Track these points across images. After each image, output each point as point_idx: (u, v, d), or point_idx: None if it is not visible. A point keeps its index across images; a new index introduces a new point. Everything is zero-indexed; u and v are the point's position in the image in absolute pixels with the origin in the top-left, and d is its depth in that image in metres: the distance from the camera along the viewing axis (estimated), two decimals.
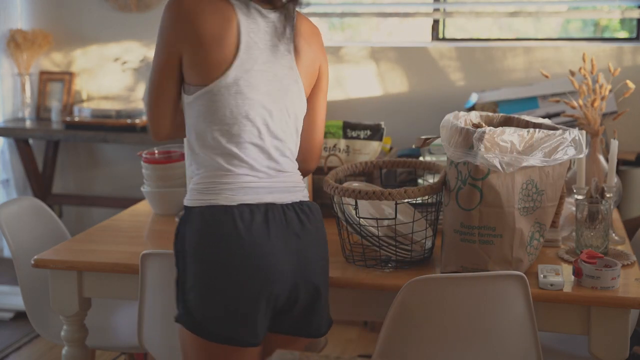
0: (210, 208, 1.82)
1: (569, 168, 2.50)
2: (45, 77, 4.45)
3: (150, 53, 4.33)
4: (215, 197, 1.83)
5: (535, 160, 2.00)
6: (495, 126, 2.19)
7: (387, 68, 4.04)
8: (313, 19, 4.35)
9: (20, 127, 4.24)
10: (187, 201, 1.89)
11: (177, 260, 1.87)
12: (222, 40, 1.82)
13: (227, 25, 1.83)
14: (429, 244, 2.20)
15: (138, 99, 4.38)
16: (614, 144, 2.34)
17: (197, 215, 1.84)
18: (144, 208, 2.82)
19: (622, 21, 4.09)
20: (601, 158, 2.59)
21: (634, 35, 3.94)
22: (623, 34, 4.12)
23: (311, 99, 2.00)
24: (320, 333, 1.96)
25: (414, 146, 2.35)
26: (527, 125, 2.21)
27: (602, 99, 2.57)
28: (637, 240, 2.56)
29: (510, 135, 1.99)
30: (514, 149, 1.99)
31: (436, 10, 4.09)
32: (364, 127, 2.77)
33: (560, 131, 2.05)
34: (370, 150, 2.75)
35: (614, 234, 2.37)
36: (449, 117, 2.14)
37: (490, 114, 2.29)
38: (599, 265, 2.00)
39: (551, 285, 1.98)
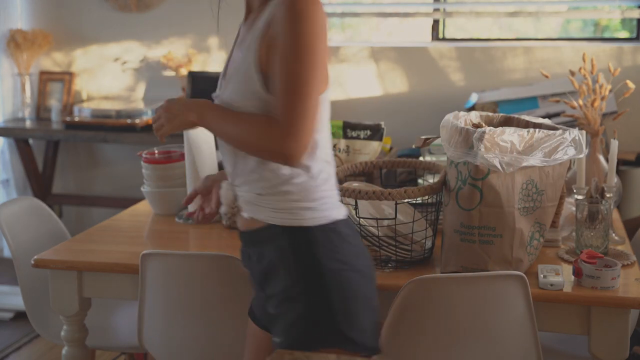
0: (346, 220, 1.72)
1: (569, 168, 2.50)
2: (45, 77, 4.44)
3: (150, 53, 4.33)
4: (340, 209, 1.72)
5: (535, 160, 2.00)
6: (495, 126, 2.19)
7: (387, 68, 4.03)
8: None
9: (20, 127, 4.24)
10: (313, 219, 1.67)
11: (308, 286, 1.65)
12: None
13: None
14: (429, 244, 2.20)
15: (138, 99, 4.38)
16: (614, 144, 2.34)
17: (343, 228, 1.69)
18: (144, 208, 2.82)
19: (623, 21, 4.09)
20: (601, 158, 2.59)
21: (634, 35, 3.94)
22: (624, 34, 4.12)
23: None
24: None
25: (414, 146, 2.35)
26: (527, 125, 2.21)
27: (602, 99, 2.57)
28: (637, 240, 2.56)
29: (510, 135, 1.99)
30: (514, 149, 1.99)
31: (436, 10, 4.09)
32: (364, 127, 2.77)
33: (560, 131, 2.05)
34: (370, 150, 2.75)
35: (614, 234, 2.37)
36: (449, 117, 2.14)
37: (490, 114, 2.29)
38: (599, 265, 2.00)
39: (551, 285, 1.98)
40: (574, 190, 2.37)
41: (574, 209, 2.36)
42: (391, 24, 4.36)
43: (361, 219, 2.15)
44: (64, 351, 2.37)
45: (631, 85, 2.63)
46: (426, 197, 2.18)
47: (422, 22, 4.22)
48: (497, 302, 1.92)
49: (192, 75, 4.19)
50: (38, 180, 4.40)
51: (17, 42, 4.26)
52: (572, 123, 3.03)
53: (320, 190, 1.69)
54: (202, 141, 2.58)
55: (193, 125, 1.75)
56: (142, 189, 2.74)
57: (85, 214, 4.60)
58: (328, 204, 1.69)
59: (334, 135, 2.75)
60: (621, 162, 3.46)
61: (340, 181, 2.34)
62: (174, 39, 4.30)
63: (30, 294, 2.54)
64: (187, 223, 2.60)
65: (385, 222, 2.18)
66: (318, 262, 1.63)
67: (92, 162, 4.56)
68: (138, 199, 3.09)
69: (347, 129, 2.76)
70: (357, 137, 2.76)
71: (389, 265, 2.15)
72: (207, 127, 1.73)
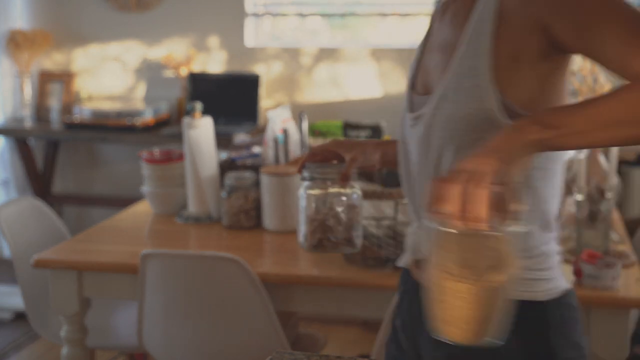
0: (573, 291, 1.33)
1: (569, 168, 2.50)
2: (45, 77, 4.44)
3: (150, 53, 4.33)
4: (564, 273, 1.34)
5: None
6: None
7: (387, 68, 4.03)
8: (313, 19, 4.35)
9: (20, 127, 4.24)
10: (547, 291, 1.27)
11: None
12: None
13: None
14: None
15: (138, 99, 4.38)
16: None
17: (573, 300, 1.31)
18: (144, 208, 2.82)
19: None
20: (601, 158, 2.59)
21: None
22: None
23: None
24: None
25: None
26: None
27: None
28: (637, 240, 2.56)
29: None
30: None
31: None
32: (364, 127, 2.77)
33: None
34: None
35: (614, 234, 2.37)
36: None
37: None
38: (599, 265, 2.00)
39: None
40: (574, 190, 2.37)
41: (574, 209, 2.36)
42: (391, 24, 4.36)
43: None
44: (64, 351, 2.37)
45: None
46: None
47: (422, 22, 4.22)
48: None
49: (192, 76, 4.19)
50: (38, 180, 4.40)
51: (17, 42, 4.26)
52: None
53: (554, 247, 1.33)
54: (202, 141, 2.58)
55: (537, 147, 1.11)
56: (142, 189, 2.74)
57: (85, 214, 4.60)
58: (558, 269, 1.31)
59: (334, 135, 2.75)
60: (621, 162, 3.45)
61: None
62: (174, 39, 4.30)
63: (30, 294, 2.54)
64: (188, 223, 2.60)
65: (385, 222, 2.18)
66: (552, 350, 1.27)
67: (92, 162, 4.56)
68: (138, 199, 3.09)
69: (347, 129, 2.76)
70: (357, 137, 2.76)
71: (389, 265, 2.15)
72: (560, 136, 1.11)
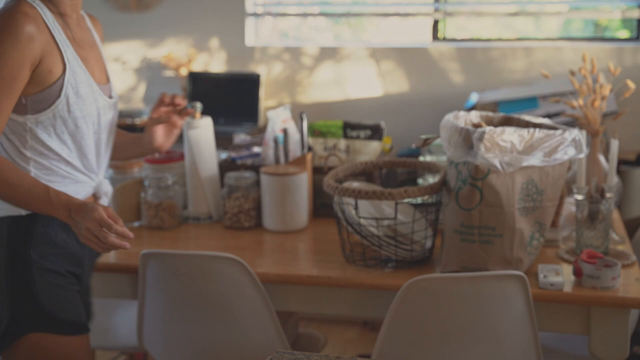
0: None
1: (569, 168, 2.50)
2: None
3: (150, 53, 4.33)
4: None
5: (535, 160, 2.00)
6: (495, 126, 2.19)
7: (387, 68, 4.03)
8: (314, 19, 4.36)
9: None
10: None
11: None
12: None
13: None
14: (429, 244, 2.20)
15: (138, 99, 4.38)
16: (614, 144, 2.34)
17: None
18: None
19: (623, 21, 4.09)
20: (601, 158, 2.59)
21: (635, 35, 3.94)
22: (624, 34, 4.11)
23: None
24: None
25: (413, 146, 2.35)
26: (527, 125, 2.21)
27: (603, 98, 2.57)
28: (637, 240, 2.56)
29: (510, 135, 1.99)
30: (514, 148, 1.99)
31: (437, 10, 4.09)
32: (364, 127, 2.77)
33: (560, 131, 2.05)
34: (370, 150, 2.75)
35: (614, 234, 2.37)
36: (449, 117, 2.14)
37: (490, 114, 2.29)
38: (599, 265, 2.00)
39: (551, 285, 1.98)
40: (574, 190, 2.37)
41: (574, 209, 2.36)
42: (391, 24, 4.36)
43: (361, 219, 2.15)
44: None
45: (631, 85, 2.63)
46: (426, 197, 2.18)
47: (423, 22, 4.22)
48: (497, 301, 1.92)
49: (192, 75, 4.19)
50: None
51: None
52: (572, 123, 3.03)
53: None
54: (202, 141, 2.58)
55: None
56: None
57: None
58: None
59: (334, 135, 2.75)
60: (621, 162, 3.46)
61: (340, 181, 2.34)
62: (174, 39, 4.30)
63: None
64: (188, 223, 2.60)
65: (385, 222, 2.18)
66: None
67: None
68: None
69: (347, 129, 2.76)
70: (357, 137, 2.76)
71: (389, 265, 2.15)
72: None
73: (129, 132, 2.26)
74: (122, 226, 1.74)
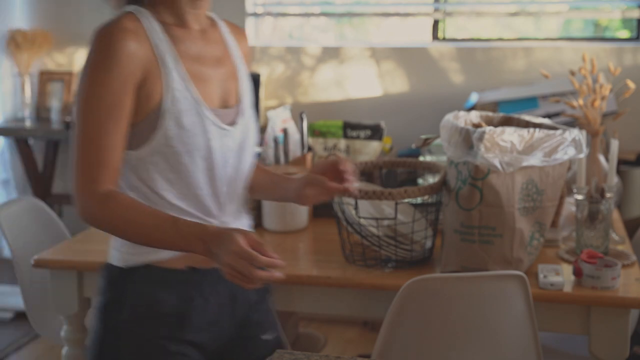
0: None
1: (569, 168, 2.50)
2: (46, 77, 4.44)
3: None
4: None
5: (535, 160, 2.00)
6: (495, 126, 2.19)
7: (387, 68, 4.03)
8: (314, 19, 4.35)
9: (20, 127, 4.24)
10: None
11: None
12: None
13: None
14: (429, 244, 2.20)
15: None
16: (614, 144, 2.34)
17: None
18: None
19: (623, 21, 4.09)
20: (601, 158, 2.59)
21: (634, 35, 3.94)
22: (624, 34, 4.11)
23: None
24: None
25: (413, 146, 2.35)
26: (527, 125, 2.21)
27: (603, 98, 2.57)
28: (637, 240, 2.56)
29: (510, 135, 1.99)
30: (514, 148, 1.99)
31: (437, 10, 4.09)
32: (364, 127, 2.77)
33: (560, 131, 2.05)
34: (370, 150, 2.75)
35: (614, 234, 2.37)
36: (449, 117, 2.14)
37: (490, 114, 2.29)
38: (599, 265, 2.00)
39: (551, 285, 1.98)
40: (574, 190, 2.37)
41: (574, 209, 2.36)
42: (391, 24, 4.36)
43: (361, 219, 2.15)
44: (64, 351, 2.37)
45: (631, 85, 2.63)
46: (426, 197, 2.18)
47: (423, 22, 4.22)
48: (497, 302, 1.92)
49: None
50: (38, 180, 4.39)
51: (17, 42, 4.26)
52: (572, 123, 3.03)
53: None
54: None
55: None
56: None
57: None
58: None
59: (334, 135, 2.75)
60: (621, 162, 3.45)
61: None
62: None
63: (30, 294, 2.54)
64: None
65: (385, 222, 2.18)
66: None
67: None
68: None
69: (347, 129, 2.76)
70: (357, 137, 2.76)
71: (389, 265, 2.15)
72: None
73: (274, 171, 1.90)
74: (268, 253, 1.40)
